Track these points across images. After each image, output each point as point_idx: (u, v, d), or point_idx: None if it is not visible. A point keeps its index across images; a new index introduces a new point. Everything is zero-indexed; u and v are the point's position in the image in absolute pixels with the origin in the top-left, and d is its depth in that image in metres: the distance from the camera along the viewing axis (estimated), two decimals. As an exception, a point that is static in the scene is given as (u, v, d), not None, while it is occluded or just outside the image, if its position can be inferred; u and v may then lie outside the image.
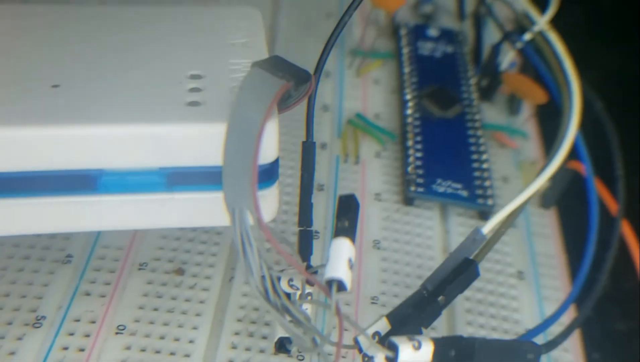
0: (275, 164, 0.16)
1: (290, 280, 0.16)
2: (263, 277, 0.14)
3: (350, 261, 0.14)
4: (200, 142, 0.14)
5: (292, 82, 0.14)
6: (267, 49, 0.18)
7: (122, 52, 0.17)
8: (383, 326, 0.16)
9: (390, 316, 0.16)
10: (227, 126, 0.14)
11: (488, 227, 0.17)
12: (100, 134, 0.14)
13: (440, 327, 0.19)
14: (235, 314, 0.18)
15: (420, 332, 0.16)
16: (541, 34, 0.22)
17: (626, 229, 0.21)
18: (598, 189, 0.22)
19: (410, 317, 0.16)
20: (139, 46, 0.17)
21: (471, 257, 0.17)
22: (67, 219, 0.15)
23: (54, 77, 0.15)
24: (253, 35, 0.18)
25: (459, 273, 0.16)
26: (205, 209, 0.15)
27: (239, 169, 0.13)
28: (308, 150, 0.18)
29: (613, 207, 0.21)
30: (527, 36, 0.23)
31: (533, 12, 0.23)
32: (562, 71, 0.21)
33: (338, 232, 0.14)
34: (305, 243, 0.17)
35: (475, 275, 0.17)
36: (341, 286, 0.14)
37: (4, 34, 0.17)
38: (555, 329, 0.19)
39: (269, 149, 0.15)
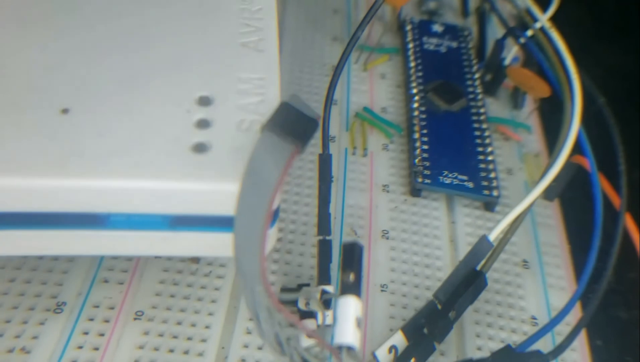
0: (276, 210, 0.16)
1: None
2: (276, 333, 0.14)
3: (357, 319, 0.15)
4: (205, 196, 0.15)
5: (301, 146, 0.14)
6: (278, 43, 0.18)
7: (125, 54, 0.17)
8: (399, 339, 0.17)
9: (405, 329, 0.17)
10: (238, 196, 0.14)
11: (495, 234, 0.18)
12: (107, 187, 0.15)
13: (448, 314, 0.19)
14: (250, 301, 0.18)
15: (433, 349, 0.17)
16: (542, 30, 0.23)
17: (629, 221, 0.22)
18: (601, 183, 0.22)
19: (423, 336, 0.17)
20: (146, 46, 0.17)
21: (481, 263, 0.17)
22: (78, 248, 0.16)
23: (62, 101, 0.16)
24: (265, 25, 0.18)
25: (468, 285, 0.17)
26: (207, 245, 0.16)
27: (249, 241, 0.14)
28: (325, 162, 0.19)
29: (616, 201, 0.22)
30: (529, 32, 0.23)
31: (535, 9, 0.24)
32: (563, 68, 0.21)
33: (344, 290, 0.15)
34: (325, 252, 0.18)
35: (483, 285, 0.17)
36: (350, 349, 0.14)
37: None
38: (561, 328, 0.19)
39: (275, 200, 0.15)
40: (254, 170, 0.14)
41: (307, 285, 0.18)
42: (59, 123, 0.15)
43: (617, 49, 0.32)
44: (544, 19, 0.23)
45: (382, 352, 0.17)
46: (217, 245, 0.16)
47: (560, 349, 0.18)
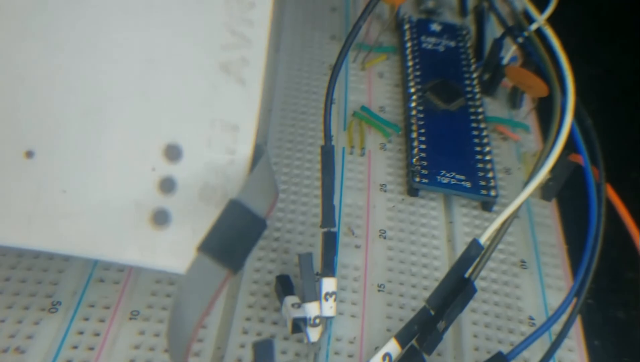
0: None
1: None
2: None
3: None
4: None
5: (235, 269, 0.14)
6: (265, 64, 0.16)
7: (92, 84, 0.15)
8: (393, 347, 0.17)
9: (399, 336, 0.17)
10: (167, 326, 0.14)
11: (485, 237, 0.18)
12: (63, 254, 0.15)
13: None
14: (246, 301, 0.18)
15: (423, 360, 0.17)
16: (539, 30, 0.23)
17: (627, 219, 0.22)
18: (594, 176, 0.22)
19: (413, 349, 0.17)
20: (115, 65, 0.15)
21: (472, 268, 0.17)
22: None
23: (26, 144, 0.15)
24: (254, 35, 0.16)
25: (456, 294, 0.17)
26: None
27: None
28: (327, 154, 0.19)
29: (621, 207, 0.22)
30: (526, 33, 0.23)
31: (532, 9, 0.23)
32: (558, 68, 0.21)
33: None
34: (330, 244, 0.18)
35: (472, 293, 0.17)
36: None
37: None
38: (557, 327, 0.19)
39: None
40: (185, 293, 0.13)
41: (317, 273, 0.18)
42: (23, 168, 0.15)
43: (614, 49, 0.32)
44: (541, 19, 0.23)
45: (377, 361, 0.17)
46: None
47: (556, 343, 0.18)
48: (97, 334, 0.17)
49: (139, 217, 0.15)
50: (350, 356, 0.18)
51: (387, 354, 0.17)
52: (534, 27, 0.23)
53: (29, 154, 0.15)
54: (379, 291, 0.19)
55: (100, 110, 0.15)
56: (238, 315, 0.18)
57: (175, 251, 0.15)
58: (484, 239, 0.18)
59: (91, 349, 0.17)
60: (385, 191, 0.22)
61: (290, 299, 0.17)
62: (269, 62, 0.17)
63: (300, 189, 0.21)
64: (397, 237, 0.21)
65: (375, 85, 0.26)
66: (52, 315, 0.17)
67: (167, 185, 0.15)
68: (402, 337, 0.17)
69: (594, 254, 0.18)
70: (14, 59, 0.15)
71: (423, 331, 0.17)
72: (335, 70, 0.19)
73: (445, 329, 0.17)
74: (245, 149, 0.15)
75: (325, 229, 0.18)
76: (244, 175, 0.15)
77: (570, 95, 0.20)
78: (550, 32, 0.22)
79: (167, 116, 0.15)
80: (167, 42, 0.15)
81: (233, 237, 0.14)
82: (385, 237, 0.21)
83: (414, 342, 0.17)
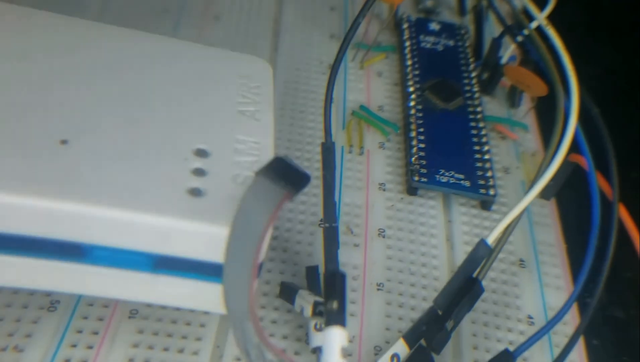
0: (261, 264, 0.16)
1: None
2: None
3: (343, 349, 0.15)
4: (196, 239, 0.15)
5: (293, 192, 0.14)
6: (273, 117, 0.18)
7: (130, 103, 0.17)
8: (401, 347, 0.17)
9: (407, 337, 0.17)
10: (229, 234, 0.14)
11: (492, 237, 0.18)
12: (96, 215, 0.14)
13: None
14: (261, 289, 0.18)
15: (431, 360, 0.17)
16: (539, 28, 0.23)
17: (623, 213, 0.22)
18: (598, 181, 0.22)
19: (421, 348, 0.17)
20: (149, 100, 0.18)
21: (479, 268, 0.17)
22: (54, 281, 0.15)
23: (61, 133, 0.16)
24: (262, 100, 0.19)
25: (464, 294, 0.17)
26: (188, 294, 0.16)
27: (238, 280, 0.14)
28: (328, 151, 0.19)
29: (609, 192, 0.22)
30: (526, 31, 0.23)
31: (532, 7, 0.23)
32: (560, 67, 0.21)
33: (329, 320, 0.15)
34: (331, 239, 0.18)
35: (480, 293, 0.17)
36: None
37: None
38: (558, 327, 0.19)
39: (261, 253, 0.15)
40: (244, 211, 0.14)
41: (315, 268, 0.18)
42: (58, 151, 0.15)
43: (612, 48, 0.32)
44: (541, 17, 0.23)
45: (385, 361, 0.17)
46: (199, 297, 0.16)
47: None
48: (96, 333, 0.17)
49: (175, 188, 0.15)
50: (349, 354, 0.18)
51: (395, 355, 0.17)
52: (534, 25, 0.23)
53: (64, 142, 0.15)
54: (378, 289, 0.19)
55: (139, 120, 0.17)
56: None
57: (214, 216, 0.15)
58: (491, 240, 0.18)
59: (90, 347, 0.17)
60: (384, 190, 0.22)
61: (304, 291, 0.18)
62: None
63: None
64: (396, 236, 0.21)
65: (374, 84, 0.26)
66: (50, 314, 0.17)
67: (200, 172, 0.16)
68: (410, 338, 0.17)
69: (602, 268, 0.18)
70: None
71: (431, 330, 0.17)
72: (335, 65, 0.19)
73: (454, 328, 0.17)
74: (267, 154, 0.17)
75: (327, 225, 0.18)
76: None
77: (574, 97, 0.20)
78: (551, 31, 0.22)
79: (198, 131, 0.17)
80: (195, 98, 0.18)
81: (285, 172, 0.14)
82: (384, 236, 0.21)
83: (422, 341, 0.17)
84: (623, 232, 0.22)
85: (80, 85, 0.17)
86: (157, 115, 0.17)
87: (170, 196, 0.15)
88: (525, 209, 0.22)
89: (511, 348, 0.19)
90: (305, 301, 0.17)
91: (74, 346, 0.17)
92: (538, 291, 0.20)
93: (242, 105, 0.18)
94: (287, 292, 0.18)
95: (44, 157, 0.15)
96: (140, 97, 0.18)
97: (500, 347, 0.19)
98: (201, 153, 0.16)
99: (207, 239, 0.15)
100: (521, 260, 0.21)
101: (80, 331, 0.17)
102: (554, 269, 0.21)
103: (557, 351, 0.19)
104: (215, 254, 0.15)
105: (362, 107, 0.24)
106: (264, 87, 0.19)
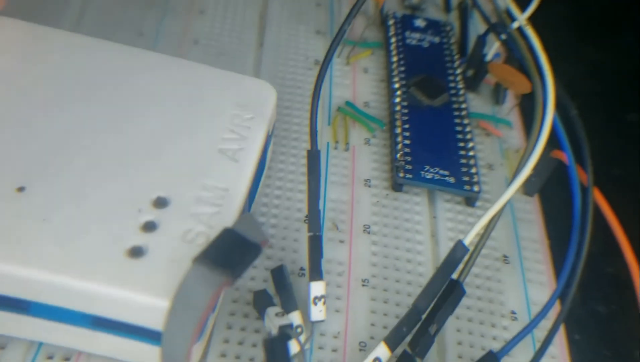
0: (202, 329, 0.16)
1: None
2: None
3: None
4: (126, 305, 0.15)
5: (232, 278, 0.14)
6: (257, 160, 0.18)
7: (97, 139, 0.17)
8: (382, 351, 0.17)
9: (388, 340, 0.17)
10: (167, 313, 0.14)
11: (469, 238, 0.18)
12: (31, 277, 0.15)
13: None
14: (231, 296, 0.18)
15: None
16: (520, 29, 0.23)
17: (598, 197, 0.22)
18: (579, 176, 0.23)
19: (406, 354, 0.17)
20: (124, 131, 0.17)
21: (460, 270, 0.17)
22: (6, 328, 0.16)
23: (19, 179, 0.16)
24: (251, 135, 0.18)
25: (446, 297, 0.17)
26: (127, 351, 0.16)
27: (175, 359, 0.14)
28: (313, 158, 0.19)
29: (603, 202, 0.22)
30: (505, 34, 0.23)
31: (514, 8, 0.23)
32: (538, 67, 0.21)
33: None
34: (315, 248, 0.18)
35: (461, 295, 0.17)
36: None
37: None
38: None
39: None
40: (179, 301, 0.13)
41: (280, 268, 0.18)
42: (12, 201, 0.16)
43: (599, 46, 0.32)
44: (521, 19, 0.23)
45: None
46: (136, 352, 0.16)
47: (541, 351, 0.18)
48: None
49: (115, 248, 0.15)
50: (334, 350, 0.18)
51: (377, 359, 0.17)
52: (515, 25, 0.23)
53: (21, 189, 0.16)
54: (363, 285, 0.19)
55: (101, 164, 0.17)
56: (222, 311, 0.18)
57: (149, 280, 0.15)
58: (468, 240, 0.18)
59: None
60: (369, 186, 0.22)
61: (272, 310, 0.17)
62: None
63: (285, 184, 0.21)
64: (381, 232, 0.21)
65: (359, 80, 0.26)
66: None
67: (150, 226, 0.16)
68: (392, 341, 0.17)
69: (579, 259, 0.19)
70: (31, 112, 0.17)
71: (415, 336, 0.17)
72: (321, 75, 0.19)
73: (437, 332, 0.17)
74: (232, 204, 0.17)
75: (311, 233, 0.18)
76: (229, 225, 0.15)
77: (550, 90, 0.20)
78: (531, 32, 0.22)
79: (162, 175, 0.17)
80: (177, 128, 0.18)
81: (228, 254, 0.14)
82: (369, 232, 0.21)
83: (407, 348, 0.17)
84: (604, 227, 0.22)
85: (49, 109, 0.17)
86: (127, 153, 0.17)
87: (106, 259, 0.15)
88: (508, 206, 0.23)
89: (495, 344, 0.19)
90: (272, 323, 0.17)
91: (50, 358, 0.17)
92: (521, 287, 0.21)
93: (225, 142, 0.18)
94: (259, 305, 0.18)
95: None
96: (116, 126, 0.18)
97: (484, 342, 0.19)
98: (160, 202, 0.16)
99: (136, 305, 0.15)
100: (505, 256, 0.21)
101: (50, 357, 0.17)
102: (537, 265, 0.21)
103: (539, 346, 0.19)
104: (145, 319, 0.15)
105: (347, 103, 0.24)
106: (258, 119, 0.19)
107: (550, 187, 0.23)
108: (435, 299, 0.17)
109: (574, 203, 0.20)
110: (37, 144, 0.17)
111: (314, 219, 0.18)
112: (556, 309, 0.20)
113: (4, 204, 0.15)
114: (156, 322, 0.14)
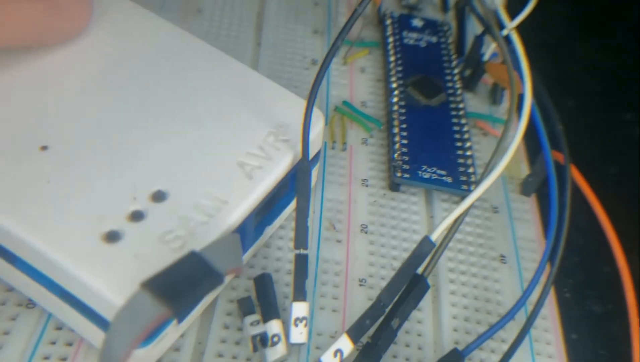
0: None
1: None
2: None
3: None
4: (83, 286, 0.15)
5: (173, 312, 0.13)
6: (276, 178, 0.18)
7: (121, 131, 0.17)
8: (345, 343, 0.17)
9: (350, 332, 0.17)
10: (105, 334, 0.13)
11: (436, 235, 0.17)
12: (16, 233, 0.15)
13: (426, 308, 0.19)
14: (228, 296, 0.18)
15: (380, 358, 0.17)
16: (508, 38, 0.23)
17: (602, 216, 0.22)
18: (575, 176, 0.23)
19: (369, 346, 0.17)
20: (158, 117, 0.18)
21: (423, 265, 0.17)
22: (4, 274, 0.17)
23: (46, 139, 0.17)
24: (277, 156, 0.18)
25: (409, 291, 0.17)
26: (84, 328, 0.16)
27: None
28: (303, 173, 0.18)
29: (594, 199, 0.22)
30: (496, 40, 0.23)
31: (504, 15, 0.23)
32: (519, 75, 0.21)
33: None
34: (301, 266, 0.18)
35: (425, 289, 0.17)
36: None
37: None
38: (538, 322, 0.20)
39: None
40: (122, 318, 0.13)
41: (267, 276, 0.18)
42: (30, 156, 0.16)
43: (594, 46, 0.32)
44: (510, 26, 0.22)
45: (328, 357, 0.17)
46: (93, 334, 0.16)
47: (533, 315, 0.18)
48: (74, 330, 0.17)
49: (94, 227, 0.15)
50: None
51: (339, 350, 0.17)
52: (504, 32, 0.22)
53: (44, 148, 0.16)
54: (360, 285, 0.19)
55: (122, 144, 0.17)
56: (219, 310, 0.18)
57: (109, 267, 0.15)
58: (436, 235, 0.17)
59: (69, 345, 0.17)
60: (366, 186, 0.22)
61: (249, 318, 0.17)
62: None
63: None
64: (379, 231, 0.21)
65: (357, 80, 0.26)
66: (29, 310, 0.17)
67: (136, 216, 0.16)
68: (354, 333, 0.17)
69: (559, 235, 0.19)
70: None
71: (377, 329, 0.17)
72: (317, 80, 0.18)
73: (399, 326, 0.17)
74: (224, 219, 0.16)
75: (297, 251, 0.18)
76: (211, 239, 0.15)
77: (527, 83, 0.20)
78: (516, 39, 0.22)
79: (172, 170, 0.17)
80: (211, 128, 0.18)
81: (182, 283, 0.14)
82: (366, 232, 0.21)
83: (368, 340, 0.17)
84: (599, 227, 0.22)
85: (105, 83, 0.18)
86: (151, 139, 0.17)
87: (81, 235, 0.15)
88: (504, 203, 0.23)
89: (492, 343, 0.19)
90: (246, 331, 0.17)
91: (53, 343, 0.17)
92: (518, 286, 0.21)
93: (249, 156, 0.17)
94: (242, 313, 0.18)
95: (19, 162, 0.16)
96: (156, 111, 0.18)
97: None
98: (157, 196, 0.16)
99: (91, 289, 0.15)
100: (502, 255, 0.21)
101: (59, 328, 0.17)
102: (533, 265, 0.21)
103: (536, 345, 0.19)
104: (97, 305, 0.15)
105: (345, 102, 0.24)
106: (292, 142, 0.18)
107: (547, 188, 0.23)
108: (399, 293, 0.17)
109: (549, 181, 0.20)
110: (77, 113, 0.17)
111: (300, 236, 0.18)
112: (553, 309, 0.20)
113: (23, 158, 0.16)
114: (106, 312, 0.15)
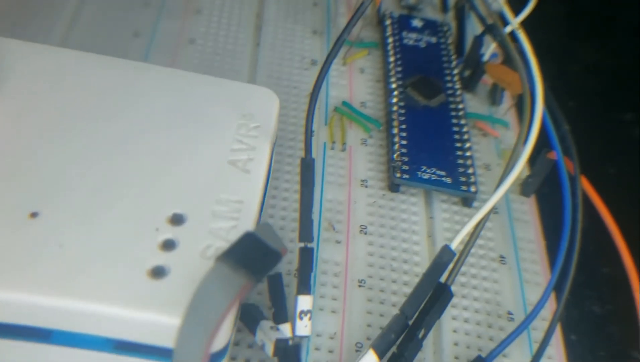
0: (225, 347, 0.15)
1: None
2: None
3: None
4: (150, 327, 0.14)
5: (254, 280, 0.13)
6: (268, 161, 0.18)
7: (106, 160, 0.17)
8: (371, 358, 0.16)
9: (376, 346, 0.17)
10: (181, 322, 0.13)
11: (456, 243, 0.17)
12: (51, 305, 0.14)
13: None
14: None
15: None
16: (512, 33, 0.23)
17: (608, 218, 0.22)
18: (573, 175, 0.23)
19: (395, 357, 0.17)
20: (132, 151, 0.17)
21: (447, 273, 0.17)
22: (24, 358, 0.15)
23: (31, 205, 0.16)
24: (259, 144, 0.18)
25: (434, 301, 0.17)
26: None
27: None
28: (307, 167, 0.18)
29: (599, 202, 0.22)
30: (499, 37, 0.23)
31: (508, 12, 0.23)
32: (528, 72, 0.21)
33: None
34: (306, 260, 0.18)
35: (449, 298, 0.17)
36: None
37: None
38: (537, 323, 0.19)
39: (221, 337, 0.15)
40: (199, 300, 0.13)
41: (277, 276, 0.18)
42: (25, 227, 0.15)
43: (593, 47, 0.32)
44: (515, 23, 0.23)
45: None
46: None
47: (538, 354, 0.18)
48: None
49: (136, 270, 0.15)
50: (330, 351, 0.18)
51: None
52: (508, 29, 0.22)
53: (34, 215, 0.15)
54: (359, 286, 0.19)
55: (113, 185, 0.16)
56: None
57: (171, 300, 0.14)
58: (456, 243, 0.17)
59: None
60: (366, 187, 0.22)
61: (266, 323, 0.17)
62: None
63: (280, 184, 0.21)
64: (378, 232, 0.21)
65: (356, 80, 0.26)
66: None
67: (169, 244, 0.15)
68: (380, 347, 0.17)
69: (572, 249, 0.18)
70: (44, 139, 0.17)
71: (403, 340, 0.17)
72: (316, 87, 0.19)
73: (425, 336, 0.17)
74: (249, 216, 0.16)
75: (302, 244, 0.18)
76: None
77: (538, 87, 0.20)
78: (523, 37, 0.22)
79: (176, 192, 0.17)
80: (185, 142, 0.18)
81: (250, 257, 0.14)
82: (366, 233, 0.21)
83: (395, 349, 0.17)
84: (599, 228, 0.22)
85: (55, 133, 0.17)
86: (138, 172, 0.17)
87: (128, 282, 0.15)
88: (503, 204, 0.23)
89: (491, 344, 0.19)
90: (267, 337, 0.17)
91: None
92: (518, 287, 0.21)
93: (235, 153, 0.18)
94: (249, 318, 0.17)
95: (11, 236, 0.15)
96: (124, 145, 0.17)
97: (481, 343, 0.19)
98: (176, 219, 0.16)
99: (161, 328, 0.14)
100: (501, 256, 0.21)
101: None
102: (533, 266, 0.21)
103: (536, 346, 0.19)
104: (170, 341, 0.14)
105: (344, 103, 0.24)
106: (264, 127, 0.18)
107: (547, 188, 0.23)
108: (423, 304, 0.17)
109: (563, 194, 0.20)
110: (47, 169, 0.16)
111: (305, 229, 0.18)
112: (553, 308, 0.20)
113: (18, 231, 0.15)
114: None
